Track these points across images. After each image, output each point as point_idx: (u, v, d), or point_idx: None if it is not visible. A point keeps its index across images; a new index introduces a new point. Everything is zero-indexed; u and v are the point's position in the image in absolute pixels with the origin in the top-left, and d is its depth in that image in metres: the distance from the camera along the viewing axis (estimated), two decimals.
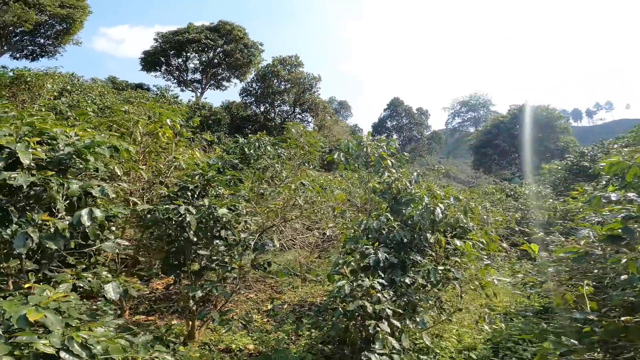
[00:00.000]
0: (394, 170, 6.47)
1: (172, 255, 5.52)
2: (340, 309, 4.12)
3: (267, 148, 7.41)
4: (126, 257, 8.08)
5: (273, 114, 31.05)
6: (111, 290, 3.27)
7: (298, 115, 32.42)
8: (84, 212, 3.33)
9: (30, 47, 31.27)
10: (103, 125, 6.99)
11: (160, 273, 6.07)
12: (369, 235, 5.08)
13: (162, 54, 35.52)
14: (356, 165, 6.22)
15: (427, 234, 5.07)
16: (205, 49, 36.02)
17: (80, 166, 4.01)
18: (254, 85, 31.26)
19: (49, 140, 3.88)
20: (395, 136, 53.20)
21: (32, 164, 3.53)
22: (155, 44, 34.84)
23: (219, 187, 5.91)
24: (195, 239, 5.33)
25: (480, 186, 25.42)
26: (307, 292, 8.10)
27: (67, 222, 3.22)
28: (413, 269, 4.93)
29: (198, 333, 5.67)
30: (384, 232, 5.06)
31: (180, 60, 37.42)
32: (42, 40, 30.89)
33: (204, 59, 35.96)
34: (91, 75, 31.95)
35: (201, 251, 5.17)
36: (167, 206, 4.94)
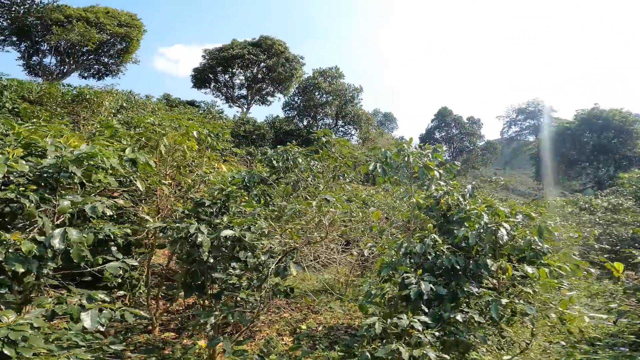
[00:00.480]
0: (443, 183, 5.49)
1: (190, 276, 5.03)
2: (367, 353, 3.26)
3: (297, 160, 6.77)
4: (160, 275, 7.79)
5: (316, 127, 30.82)
6: (88, 319, 2.76)
7: (341, 128, 31.87)
8: (57, 232, 2.86)
9: (96, 66, 34.01)
10: (132, 138, 6.81)
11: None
12: (411, 260, 4.18)
13: (210, 71, 37.04)
14: (396, 177, 5.36)
15: (487, 260, 4.05)
16: (249, 65, 36.99)
17: (76, 180, 3.59)
18: (295, 98, 31.36)
19: (41, 153, 3.53)
20: (445, 148, 50.63)
21: (18, 179, 3.16)
22: (204, 61, 36.48)
23: (241, 204, 5.35)
24: (211, 260, 4.78)
25: (544, 199, 22.80)
26: (345, 312, 7.38)
27: (32, 244, 2.75)
28: (467, 301, 3.93)
29: (220, 357, 5.11)
30: (429, 256, 4.13)
31: (227, 76, 38.78)
32: (105, 59, 33.48)
33: (248, 75, 36.93)
34: (153, 93, 34.11)
35: (216, 274, 4.59)
36: (178, 224, 4.43)
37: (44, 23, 28.18)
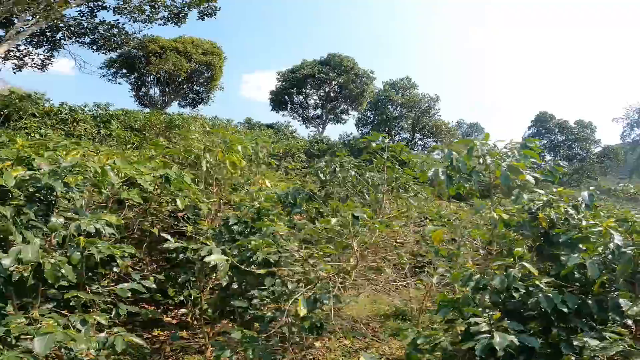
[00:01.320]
0: (542, 192, 4.03)
1: (221, 300, 4.46)
2: None
3: (349, 172, 5.85)
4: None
5: (391, 143, 29.28)
6: (37, 346, 2.29)
7: (419, 142, 29.86)
8: (12, 250, 2.45)
9: (190, 95, 37.67)
10: (169, 152, 6.67)
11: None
12: (487, 299, 2.92)
13: (285, 93, 38.43)
14: (469, 185, 4.06)
15: (619, 299, 2.59)
16: (321, 84, 37.42)
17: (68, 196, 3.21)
18: (368, 114, 30.43)
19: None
20: (548, 157, 44.30)
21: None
22: (278, 84, 38.02)
23: (275, 222, 4.60)
24: (234, 286, 4.10)
25: None
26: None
27: None
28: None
29: None
30: (515, 293, 2.81)
31: (301, 97, 39.82)
32: (197, 88, 36.93)
33: (321, 94, 37.36)
34: (241, 119, 36.40)
35: (236, 302, 3.88)
36: (193, 245, 3.84)
37: (145, 55, 32.22)
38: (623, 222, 2.76)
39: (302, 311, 3.13)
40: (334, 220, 3.32)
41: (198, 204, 5.83)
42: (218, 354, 3.46)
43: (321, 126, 39.47)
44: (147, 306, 5.86)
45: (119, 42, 22.94)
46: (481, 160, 4.04)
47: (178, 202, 5.69)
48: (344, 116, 39.75)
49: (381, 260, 4.26)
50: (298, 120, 40.84)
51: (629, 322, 2.76)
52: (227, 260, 3.55)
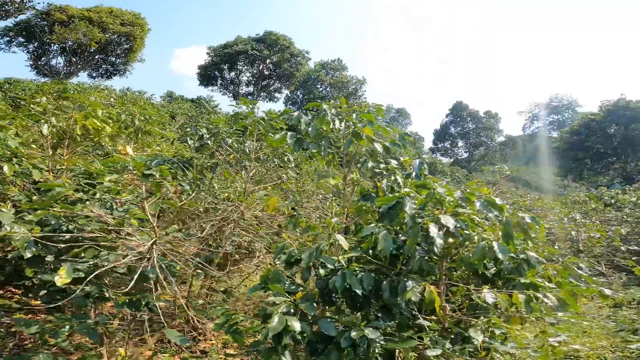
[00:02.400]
0: (395, 162, 3.76)
1: None
2: None
3: (222, 140, 5.21)
4: None
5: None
6: None
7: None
8: None
9: (104, 66, 33.58)
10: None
11: None
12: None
13: (216, 68, 36.07)
14: (321, 151, 3.68)
15: (409, 281, 2.30)
16: (255, 61, 35.80)
17: None
18: (298, 92, 29.75)
19: None
20: (461, 143, 47.69)
21: None
22: (208, 59, 35.49)
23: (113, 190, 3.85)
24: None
25: (568, 196, 20.19)
26: None
27: None
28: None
29: None
30: (322, 270, 2.46)
31: (233, 74, 37.76)
32: (113, 59, 33.00)
33: (254, 72, 35.70)
34: (164, 93, 33.20)
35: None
36: None
37: (49, 24, 27.90)
38: (430, 190, 2.45)
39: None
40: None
41: (32, 170, 4.81)
42: None
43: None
44: None
45: (11, 11, 19.46)
46: (333, 123, 3.66)
47: (5, 167, 4.66)
48: (277, 94, 38.52)
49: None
50: (229, 97, 38.83)
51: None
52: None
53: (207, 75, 36.28)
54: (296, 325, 2.04)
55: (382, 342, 2.01)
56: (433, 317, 2.37)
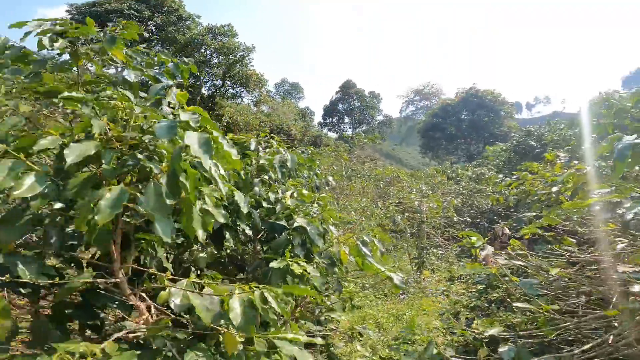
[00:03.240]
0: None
1: None
2: None
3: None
4: None
5: (202, 88, 26.80)
6: None
7: (230, 90, 28.36)
8: None
9: None
10: None
11: None
12: None
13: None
14: None
15: None
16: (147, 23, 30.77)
17: None
18: (179, 57, 26.72)
19: None
20: (347, 119, 50.56)
21: None
22: (68, 17, 29.03)
23: None
24: None
25: (422, 170, 23.38)
26: None
27: None
28: None
29: None
30: None
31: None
32: None
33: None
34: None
35: None
36: None
37: None
38: None
39: None
40: None
41: None
42: None
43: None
44: None
45: None
46: None
47: None
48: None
49: None
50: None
51: None
52: None
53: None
54: None
55: None
56: None
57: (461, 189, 14.32)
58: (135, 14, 29.72)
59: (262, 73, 28.17)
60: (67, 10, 29.59)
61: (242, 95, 29.04)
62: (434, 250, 10.05)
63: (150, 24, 31.05)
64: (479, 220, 13.61)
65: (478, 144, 41.01)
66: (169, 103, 2.10)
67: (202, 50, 25.95)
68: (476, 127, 40.00)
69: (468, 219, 13.07)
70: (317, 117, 50.50)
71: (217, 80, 27.88)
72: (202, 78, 26.98)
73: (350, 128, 48.74)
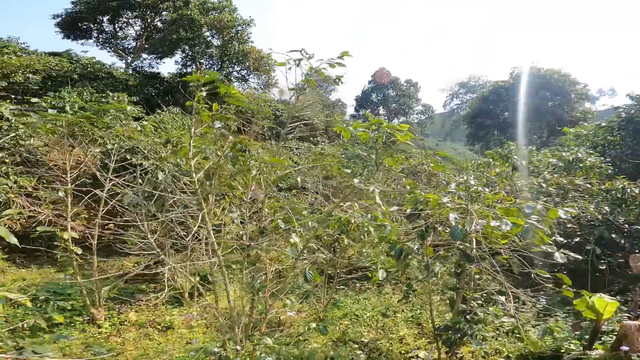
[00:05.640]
0: None
1: None
2: None
3: None
4: None
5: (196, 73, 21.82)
6: None
7: (235, 73, 22.99)
8: None
9: None
10: None
11: None
12: None
13: (84, 19, 26.68)
14: None
15: None
16: (146, 12, 26.93)
17: None
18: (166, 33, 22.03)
19: None
20: (382, 111, 43.15)
21: None
22: (71, 6, 25.89)
23: None
24: None
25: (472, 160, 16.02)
26: None
27: None
28: None
29: None
30: None
31: (117, 26, 28.58)
32: None
33: (146, 25, 26.87)
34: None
35: None
36: None
37: None
38: None
39: None
40: None
41: None
42: None
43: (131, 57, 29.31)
44: None
45: None
46: None
47: None
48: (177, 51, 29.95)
49: None
50: (110, 53, 29.85)
51: None
52: None
53: (72, 27, 26.79)
54: None
55: None
56: None
57: (543, 185, 7.19)
58: (149, 1, 25.60)
59: (269, 50, 22.22)
60: (72, 2, 26.45)
61: (248, 78, 23.21)
62: (490, 308, 4.00)
63: (165, 14, 26.85)
64: (578, 240, 6.51)
65: (542, 133, 31.57)
66: None
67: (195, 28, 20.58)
68: (538, 111, 30.66)
69: (558, 238, 6.01)
70: (350, 110, 43.59)
71: (215, 62, 22.41)
72: (197, 59, 21.80)
73: (385, 119, 41.36)
